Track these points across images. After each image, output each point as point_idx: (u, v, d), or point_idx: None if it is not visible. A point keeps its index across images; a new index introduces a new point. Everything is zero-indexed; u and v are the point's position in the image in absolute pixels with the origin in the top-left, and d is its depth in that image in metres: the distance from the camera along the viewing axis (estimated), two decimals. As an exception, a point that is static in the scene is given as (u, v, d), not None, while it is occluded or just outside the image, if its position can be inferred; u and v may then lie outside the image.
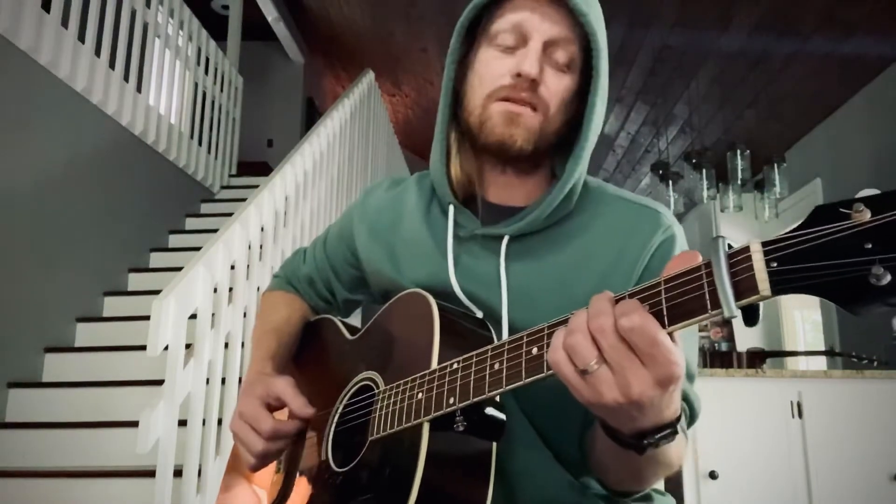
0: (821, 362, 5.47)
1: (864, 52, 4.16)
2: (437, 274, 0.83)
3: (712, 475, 2.51)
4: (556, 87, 0.79)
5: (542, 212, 0.81)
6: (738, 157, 4.29)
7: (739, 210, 4.74)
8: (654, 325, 0.51)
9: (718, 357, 3.16)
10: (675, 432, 0.57)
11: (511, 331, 0.78)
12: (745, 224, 5.56)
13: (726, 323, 5.06)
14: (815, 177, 5.07)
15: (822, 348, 4.82)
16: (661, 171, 4.82)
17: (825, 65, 4.35)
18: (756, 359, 3.07)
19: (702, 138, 5.35)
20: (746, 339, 5.64)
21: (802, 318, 6.17)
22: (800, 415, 2.61)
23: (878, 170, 4.31)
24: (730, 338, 4.97)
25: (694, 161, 4.55)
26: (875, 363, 2.89)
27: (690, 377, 0.80)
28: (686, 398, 0.78)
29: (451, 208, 0.86)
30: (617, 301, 0.54)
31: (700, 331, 4.93)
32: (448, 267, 0.83)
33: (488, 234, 0.83)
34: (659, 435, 0.57)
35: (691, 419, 0.80)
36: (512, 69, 0.78)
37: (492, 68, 0.80)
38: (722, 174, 4.56)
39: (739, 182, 4.35)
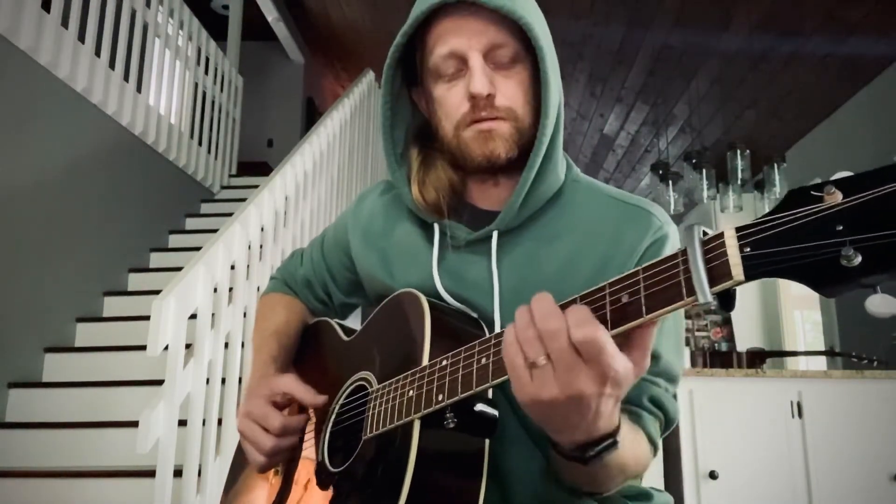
0: (821, 362, 5.48)
1: (864, 52, 4.16)
2: (428, 279, 0.84)
3: (712, 475, 2.51)
4: (511, 88, 0.80)
5: (521, 188, 0.80)
6: (738, 157, 4.29)
7: (739, 210, 4.74)
8: (603, 336, 0.52)
9: (718, 357, 3.16)
10: (615, 443, 0.59)
11: None
12: (745, 224, 5.56)
13: (726, 322, 5.06)
14: (815, 177, 5.07)
15: (822, 348, 4.83)
16: (661, 171, 4.82)
17: (825, 65, 4.36)
18: (756, 359, 3.07)
19: (702, 138, 5.36)
20: (746, 339, 5.65)
21: (802, 318, 6.17)
22: (800, 415, 2.61)
23: (878, 170, 4.31)
24: (730, 338, 4.97)
25: (694, 161, 4.55)
26: (875, 363, 2.89)
27: (672, 379, 0.79)
28: (660, 403, 0.77)
29: (437, 227, 0.86)
30: (566, 305, 0.56)
31: (700, 331, 4.93)
32: (435, 276, 0.83)
33: (478, 237, 0.83)
34: (599, 447, 0.58)
35: (666, 425, 0.79)
36: (465, 94, 0.79)
37: (449, 101, 0.81)
38: (722, 174, 4.55)
39: (739, 182, 4.35)
